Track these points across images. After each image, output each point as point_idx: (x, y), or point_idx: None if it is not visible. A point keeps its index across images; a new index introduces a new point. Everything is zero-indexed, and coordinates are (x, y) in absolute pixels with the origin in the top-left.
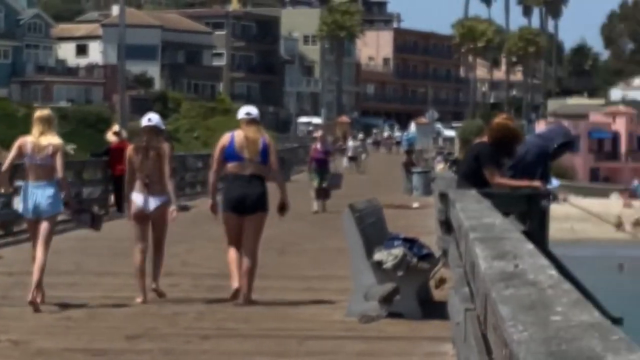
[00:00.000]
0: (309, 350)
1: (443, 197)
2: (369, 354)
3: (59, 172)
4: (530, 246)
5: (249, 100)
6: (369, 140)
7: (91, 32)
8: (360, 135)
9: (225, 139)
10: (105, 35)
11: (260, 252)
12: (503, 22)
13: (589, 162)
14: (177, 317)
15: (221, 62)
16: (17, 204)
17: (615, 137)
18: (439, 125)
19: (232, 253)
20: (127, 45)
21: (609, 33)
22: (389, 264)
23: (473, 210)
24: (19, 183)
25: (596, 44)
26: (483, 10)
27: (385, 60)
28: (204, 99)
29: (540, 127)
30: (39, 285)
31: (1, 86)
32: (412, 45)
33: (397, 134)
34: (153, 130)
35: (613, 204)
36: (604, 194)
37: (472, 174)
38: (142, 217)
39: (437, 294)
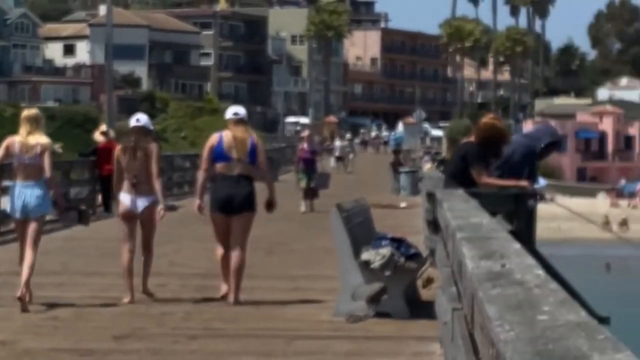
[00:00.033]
0: (296, 350)
1: (430, 196)
2: (356, 354)
3: (47, 172)
4: (517, 246)
5: (236, 100)
6: (357, 140)
7: (78, 32)
8: (348, 135)
9: (213, 139)
10: (92, 35)
11: (248, 252)
12: (490, 22)
13: (576, 161)
14: (164, 317)
15: (209, 61)
16: (5, 204)
17: (602, 137)
18: (426, 125)
19: (221, 253)
20: (115, 45)
21: (596, 33)
22: (376, 264)
23: (460, 209)
24: (6, 183)
25: (583, 44)
26: (470, 10)
27: (373, 60)
28: (191, 99)
29: (528, 126)
30: (28, 283)
31: None
32: (399, 45)
33: (384, 133)
34: (141, 130)
35: (600, 204)
36: (591, 193)
37: (459, 174)
38: (130, 217)
39: (425, 294)
